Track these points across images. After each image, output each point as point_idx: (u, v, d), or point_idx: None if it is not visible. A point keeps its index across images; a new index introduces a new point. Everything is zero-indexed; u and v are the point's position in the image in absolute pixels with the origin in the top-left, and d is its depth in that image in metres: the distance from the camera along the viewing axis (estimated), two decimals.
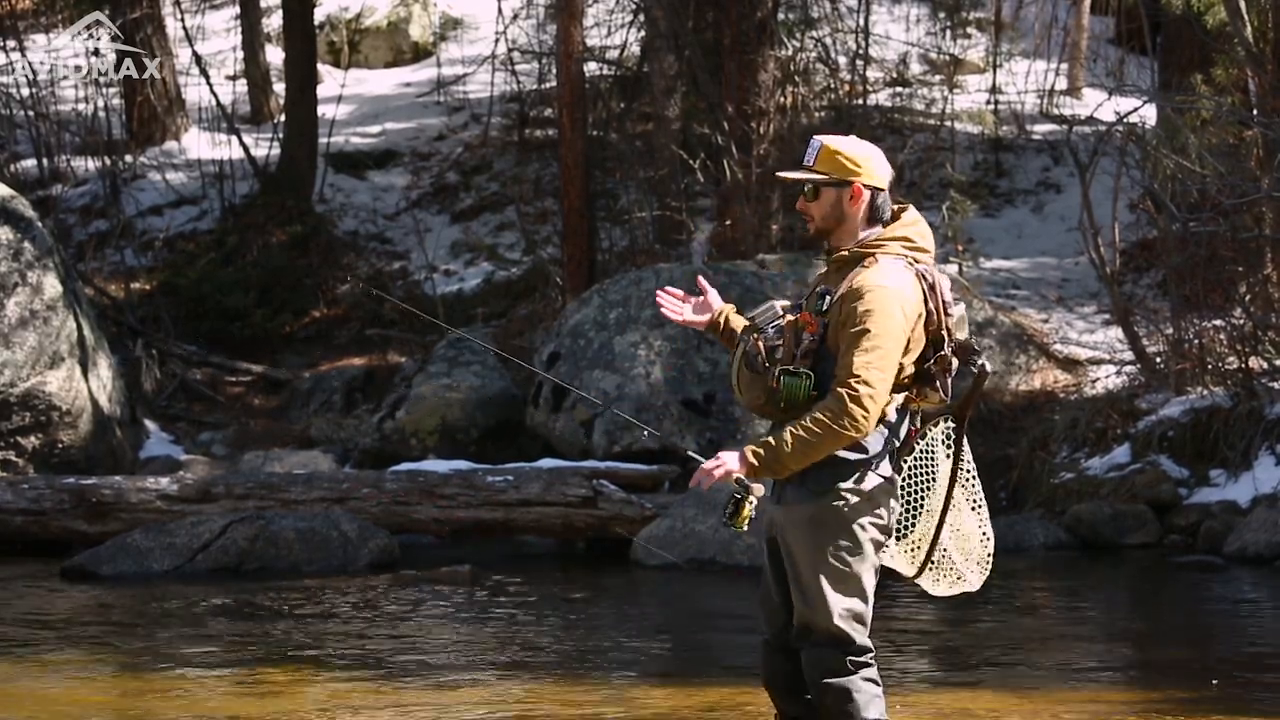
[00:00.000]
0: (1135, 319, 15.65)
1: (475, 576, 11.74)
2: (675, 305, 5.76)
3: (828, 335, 5.40)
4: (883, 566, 5.55)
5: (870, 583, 5.46)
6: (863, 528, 5.43)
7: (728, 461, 5.35)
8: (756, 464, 5.34)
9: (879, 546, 5.48)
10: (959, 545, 5.72)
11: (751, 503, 5.35)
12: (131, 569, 11.99)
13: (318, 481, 13.34)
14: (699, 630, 10.14)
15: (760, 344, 5.45)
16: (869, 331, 5.32)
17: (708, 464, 5.37)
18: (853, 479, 5.40)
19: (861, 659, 5.41)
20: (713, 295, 5.76)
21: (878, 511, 5.45)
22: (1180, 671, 8.88)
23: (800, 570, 5.40)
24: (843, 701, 5.38)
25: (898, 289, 5.38)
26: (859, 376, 5.30)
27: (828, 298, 5.43)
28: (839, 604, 5.38)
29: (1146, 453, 13.97)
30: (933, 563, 5.70)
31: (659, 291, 5.77)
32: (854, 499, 5.41)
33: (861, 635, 5.42)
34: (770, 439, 5.34)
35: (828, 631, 5.39)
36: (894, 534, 5.58)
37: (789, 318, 5.47)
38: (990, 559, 5.74)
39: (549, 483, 13.19)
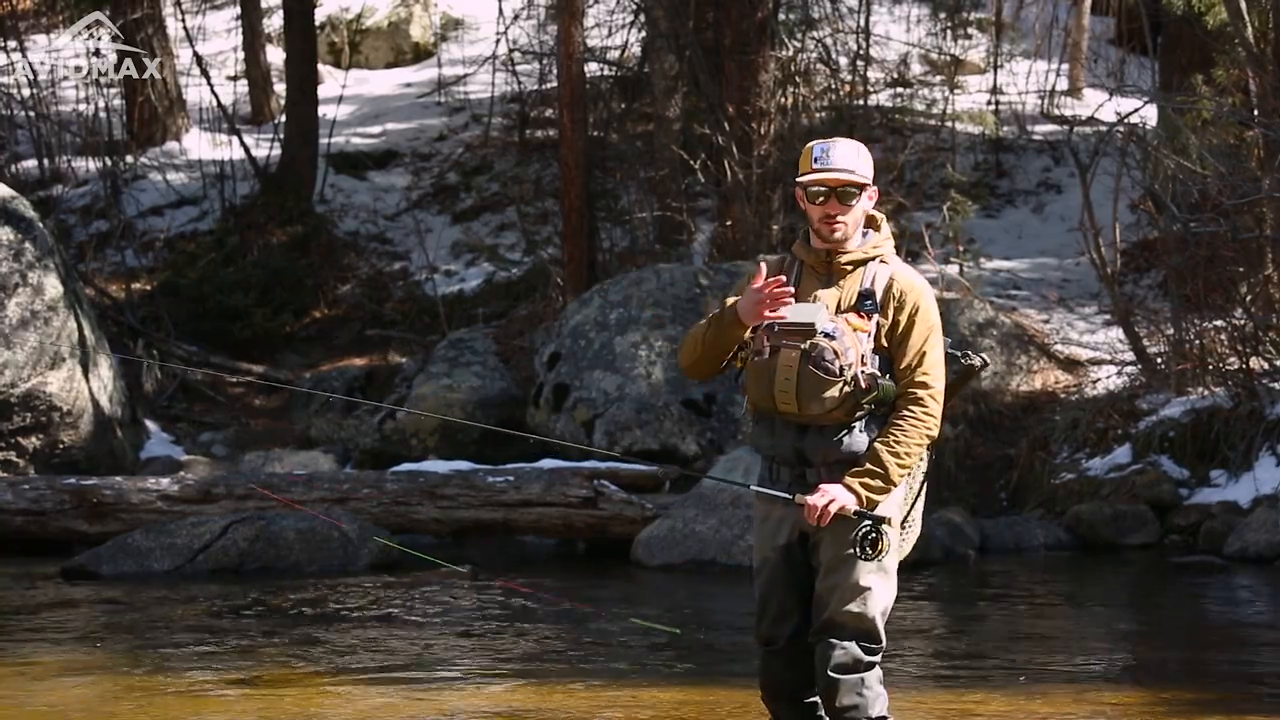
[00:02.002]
0: (1136, 319, 15.64)
1: (475, 576, 11.73)
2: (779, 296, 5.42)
3: (879, 335, 5.43)
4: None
5: None
6: (895, 525, 5.50)
7: (839, 497, 5.34)
8: (866, 493, 5.35)
9: None
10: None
11: (885, 531, 5.35)
12: (132, 569, 11.98)
13: (318, 482, 13.34)
14: (699, 631, 10.12)
15: (834, 347, 5.39)
16: (933, 328, 5.44)
17: (817, 503, 5.35)
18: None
19: (877, 658, 5.46)
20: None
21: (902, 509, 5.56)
22: (1181, 672, 8.88)
23: (850, 569, 5.40)
24: (853, 698, 5.40)
25: (927, 285, 5.52)
26: (931, 373, 5.41)
27: (871, 299, 5.44)
28: (882, 602, 5.44)
29: (1147, 453, 13.98)
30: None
31: (769, 284, 5.40)
32: (898, 498, 5.49)
33: (883, 633, 5.48)
34: (868, 465, 5.35)
35: (860, 628, 5.41)
36: None
37: (835, 319, 5.44)
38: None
39: (549, 483, 13.19)
